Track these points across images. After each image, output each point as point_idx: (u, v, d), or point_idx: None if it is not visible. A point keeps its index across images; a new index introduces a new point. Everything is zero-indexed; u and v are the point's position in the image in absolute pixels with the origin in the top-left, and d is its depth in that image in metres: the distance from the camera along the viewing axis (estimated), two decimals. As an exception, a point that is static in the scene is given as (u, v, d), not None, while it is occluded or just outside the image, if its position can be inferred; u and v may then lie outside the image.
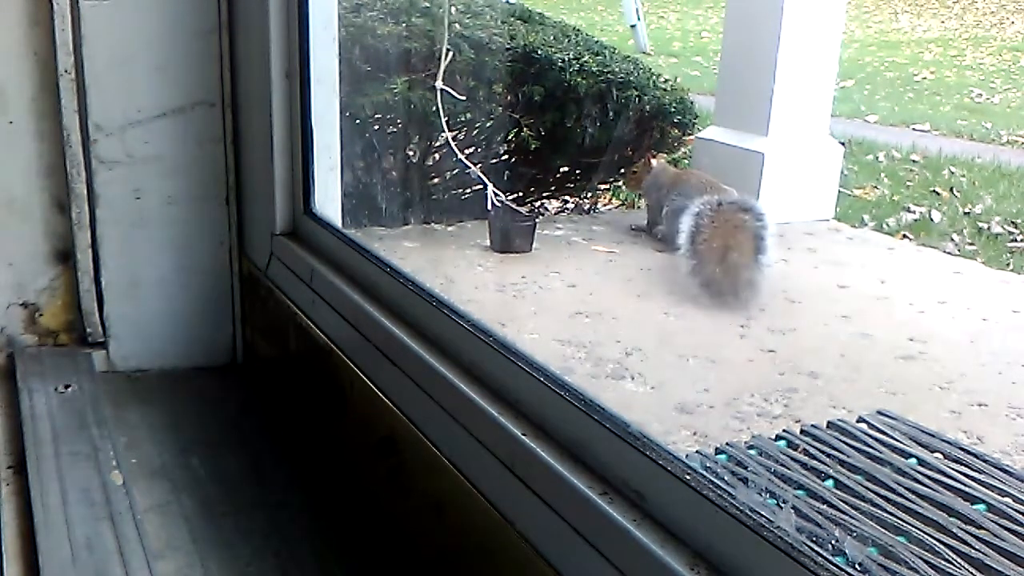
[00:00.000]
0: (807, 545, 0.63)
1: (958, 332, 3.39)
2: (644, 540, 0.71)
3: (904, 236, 4.80)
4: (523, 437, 0.86)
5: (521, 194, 4.82)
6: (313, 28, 1.35)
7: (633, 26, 10.80)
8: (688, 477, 0.71)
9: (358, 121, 4.21)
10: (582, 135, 4.71)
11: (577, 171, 4.88)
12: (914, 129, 7.83)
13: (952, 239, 4.74)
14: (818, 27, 4.67)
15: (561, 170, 4.85)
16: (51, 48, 1.42)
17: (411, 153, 4.54)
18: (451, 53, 3.94)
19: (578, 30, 5.18)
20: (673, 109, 4.92)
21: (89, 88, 1.43)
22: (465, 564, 0.94)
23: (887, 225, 4.98)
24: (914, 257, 4.43)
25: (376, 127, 4.37)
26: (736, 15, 4.98)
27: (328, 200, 1.42)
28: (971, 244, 4.70)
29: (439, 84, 3.96)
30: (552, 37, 4.78)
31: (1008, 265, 4.38)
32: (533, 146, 4.54)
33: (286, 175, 1.40)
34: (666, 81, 5.08)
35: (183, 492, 1.19)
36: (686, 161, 5.30)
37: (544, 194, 4.99)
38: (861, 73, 10.48)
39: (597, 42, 5.07)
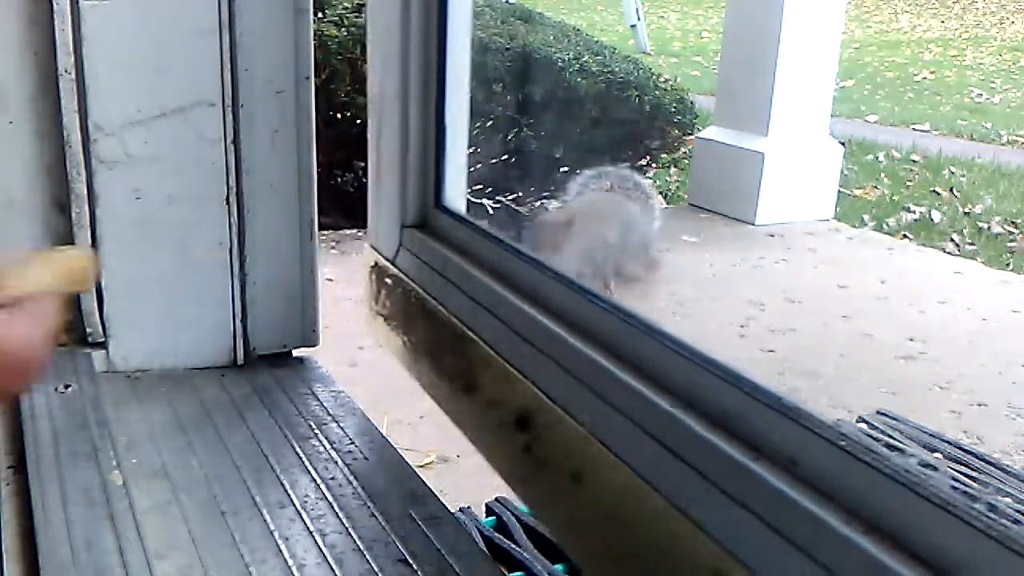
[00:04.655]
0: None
1: (958, 332, 3.39)
2: (799, 498, 0.74)
3: (904, 236, 4.80)
4: (671, 409, 0.88)
5: (521, 195, 4.83)
6: (450, 32, 1.39)
7: (633, 26, 10.82)
8: (843, 443, 0.74)
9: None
10: (582, 135, 4.72)
11: (577, 171, 4.89)
12: (914, 129, 7.84)
13: (952, 239, 4.74)
14: (818, 27, 4.67)
15: (561, 170, 4.86)
16: (51, 48, 1.41)
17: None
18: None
19: (578, 30, 5.19)
20: (673, 109, 4.92)
21: (89, 88, 1.43)
22: (606, 530, 0.95)
23: (887, 225, 4.98)
24: (914, 257, 4.43)
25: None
26: (736, 15, 4.98)
27: (457, 195, 1.48)
28: (971, 244, 4.71)
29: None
30: (552, 37, 4.78)
31: (1008, 265, 4.38)
32: (533, 146, 4.55)
33: (419, 170, 1.45)
34: (666, 81, 5.09)
35: (183, 492, 1.19)
36: (686, 161, 5.31)
37: (544, 194, 4.99)
38: (861, 73, 10.49)
39: (597, 42, 5.08)
